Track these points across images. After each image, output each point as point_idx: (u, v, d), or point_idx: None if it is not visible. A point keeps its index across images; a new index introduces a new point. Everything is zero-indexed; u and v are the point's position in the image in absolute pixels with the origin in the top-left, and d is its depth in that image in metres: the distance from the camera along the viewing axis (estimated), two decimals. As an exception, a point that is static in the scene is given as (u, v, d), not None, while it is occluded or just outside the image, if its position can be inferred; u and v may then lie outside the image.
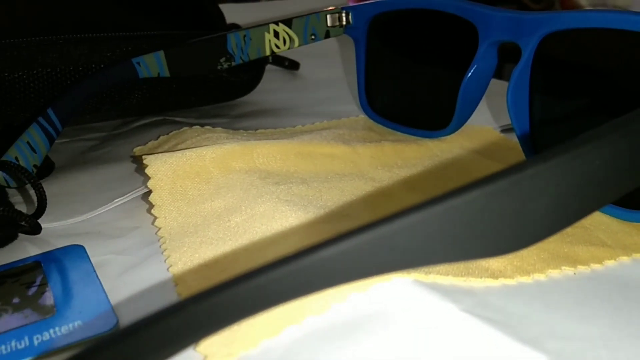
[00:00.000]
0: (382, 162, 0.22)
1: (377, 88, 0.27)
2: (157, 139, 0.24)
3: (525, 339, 0.11)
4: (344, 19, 0.27)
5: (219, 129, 0.25)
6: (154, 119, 0.29)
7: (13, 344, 0.12)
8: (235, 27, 0.37)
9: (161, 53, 0.23)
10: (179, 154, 0.19)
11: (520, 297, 0.13)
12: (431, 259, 0.09)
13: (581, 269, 0.14)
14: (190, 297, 0.08)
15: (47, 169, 0.21)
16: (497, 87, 0.25)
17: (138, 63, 0.22)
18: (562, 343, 0.11)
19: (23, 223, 0.16)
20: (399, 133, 0.26)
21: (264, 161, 0.20)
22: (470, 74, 0.22)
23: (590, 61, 0.19)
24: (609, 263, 0.15)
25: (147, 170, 0.18)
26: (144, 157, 0.19)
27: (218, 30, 0.34)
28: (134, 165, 0.22)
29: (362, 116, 0.28)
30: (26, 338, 0.12)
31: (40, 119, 0.20)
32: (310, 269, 0.08)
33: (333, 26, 0.27)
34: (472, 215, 0.09)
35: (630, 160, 0.10)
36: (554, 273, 0.14)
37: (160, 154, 0.19)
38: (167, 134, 0.25)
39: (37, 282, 0.14)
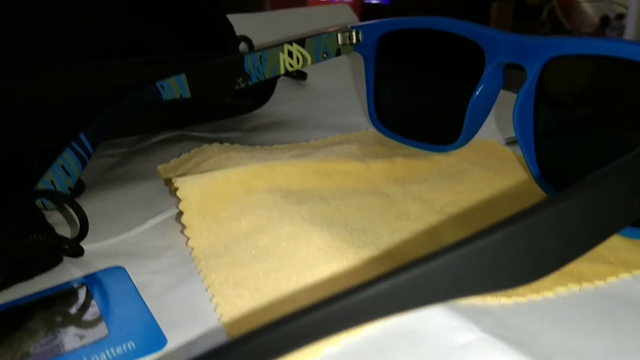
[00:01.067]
0: (394, 178, 0.23)
1: (386, 103, 0.29)
2: (178, 157, 0.25)
3: (542, 356, 0.13)
4: (354, 37, 0.28)
5: (237, 145, 0.26)
6: (171, 134, 0.30)
7: (73, 363, 0.13)
8: (245, 39, 0.38)
9: (183, 76, 0.24)
10: (206, 175, 0.20)
11: (532, 315, 0.14)
12: (457, 294, 0.10)
13: (586, 285, 0.16)
14: (257, 330, 0.09)
15: (78, 189, 0.22)
16: (503, 98, 0.26)
17: (162, 86, 0.24)
18: (577, 359, 0.13)
19: (66, 247, 0.17)
20: (408, 147, 0.27)
21: (285, 180, 0.22)
22: (477, 93, 0.23)
23: (590, 86, 0.20)
24: (611, 279, 0.16)
25: (178, 193, 0.20)
26: (173, 179, 0.20)
27: (229, 44, 0.35)
28: (159, 183, 0.24)
29: (372, 130, 0.29)
30: (88, 358, 0.13)
31: (74, 144, 0.21)
32: (356, 307, 0.09)
33: (344, 44, 0.28)
34: (492, 255, 0.10)
35: (633, 196, 0.12)
36: (561, 290, 0.15)
37: (189, 177, 0.20)
38: (188, 151, 0.26)
39: (86, 305, 0.16)
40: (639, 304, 0.15)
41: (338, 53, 0.28)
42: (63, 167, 0.21)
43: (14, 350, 0.14)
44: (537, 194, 0.21)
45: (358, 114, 0.33)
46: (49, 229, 0.18)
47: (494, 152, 0.26)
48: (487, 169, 0.24)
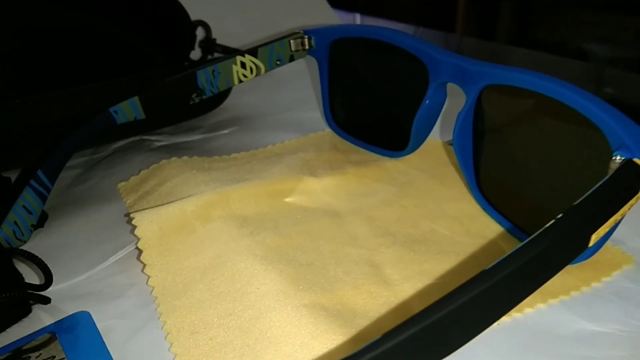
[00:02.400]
0: (346, 191, 0.25)
1: (340, 106, 0.29)
2: (138, 174, 0.26)
3: None
4: (307, 43, 0.28)
5: (196, 158, 0.27)
6: (131, 139, 0.30)
7: None
8: (201, 24, 0.38)
9: (136, 99, 0.25)
10: (163, 209, 0.22)
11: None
12: None
13: (504, 319, 0.18)
14: None
15: (42, 220, 0.23)
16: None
17: (115, 112, 0.24)
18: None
19: (32, 301, 0.18)
20: (361, 150, 0.28)
21: (240, 206, 0.23)
22: (422, 109, 0.24)
23: (518, 115, 0.21)
24: (528, 310, 0.18)
25: (136, 232, 0.21)
26: (132, 214, 0.21)
27: (185, 29, 0.35)
28: (120, 206, 0.24)
29: (328, 130, 0.30)
30: (58, 419, 0.15)
31: (32, 182, 0.22)
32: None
33: (297, 50, 0.28)
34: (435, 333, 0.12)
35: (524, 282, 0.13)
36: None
37: (146, 212, 0.21)
38: (147, 164, 0.27)
39: (57, 357, 0.17)
40: (549, 337, 0.17)
41: (291, 59, 0.28)
42: (24, 207, 0.21)
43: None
44: (474, 208, 0.23)
45: (313, 109, 0.33)
46: (18, 280, 0.19)
47: (439, 156, 0.27)
48: (432, 178, 0.26)
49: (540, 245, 0.13)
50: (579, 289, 0.19)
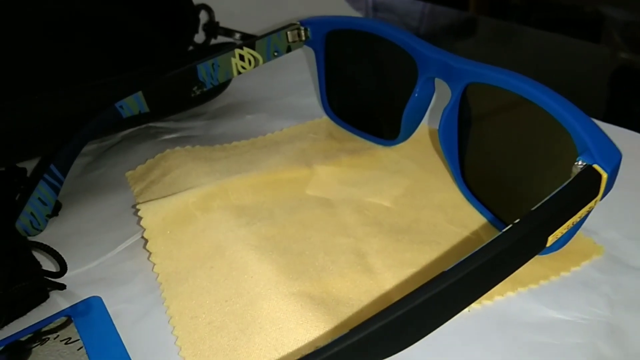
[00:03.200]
0: (339, 179, 0.26)
1: (336, 95, 0.31)
2: (144, 163, 0.28)
3: None
4: (303, 34, 0.29)
5: (198, 147, 0.29)
6: (137, 127, 0.32)
7: (66, 399, 0.17)
8: (204, 7, 0.38)
9: (140, 94, 0.26)
10: (165, 201, 0.23)
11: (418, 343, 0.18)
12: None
13: (474, 306, 0.19)
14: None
15: (56, 209, 0.25)
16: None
17: (121, 106, 0.26)
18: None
19: (49, 288, 0.20)
20: (356, 138, 0.30)
21: (237, 196, 0.24)
22: (411, 101, 0.26)
23: (498, 113, 0.22)
24: (498, 298, 0.20)
25: (142, 223, 0.23)
26: (138, 206, 0.23)
27: (186, 11, 0.36)
28: (128, 195, 0.26)
29: (325, 117, 0.32)
30: (75, 394, 0.17)
31: (46, 176, 0.23)
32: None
33: (294, 41, 0.29)
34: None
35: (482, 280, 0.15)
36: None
37: (150, 204, 0.23)
38: (152, 154, 0.28)
39: (72, 337, 0.19)
40: (514, 323, 0.19)
41: (288, 50, 0.30)
42: (39, 199, 0.23)
43: (19, 388, 0.17)
44: (459, 198, 0.25)
45: (311, 94, 0.35)
46: (36, 269, 0.21)
47: (431, 145, 0.29)
48: (422, 167, 0.27)
49: (497, 249, 0.15)
50: (548, 278, 0.20)
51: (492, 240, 0.15)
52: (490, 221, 0.23)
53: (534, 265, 0.21)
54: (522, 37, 0.49)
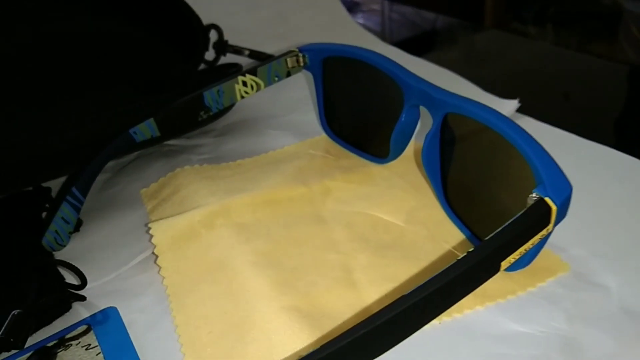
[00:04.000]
0: (332, 198, 0.29)
1: (333, 115, 0.33)
2: (157, 181, 0.31)
3: None
4: (302, 60, 0.31)
5: (206, 166, 0.31)
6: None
7: (87, 398, 0.20)
8: (214, 27, 0.41)
9: (152, 120, 0.29)
10: (174, 220, 0.26)
11: (392, 352, 0.20)
12: None
13: (445, 319, 0.21)
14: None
15: (77, 225, 0.28)
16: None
17: (134, 132, 0.28)
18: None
19: (72, 300, 0.23)
20: (352, 155, 0.32)
21: (239, 215, 0.27)
22: (398, 125, 0.28)
23: (473, 141, 0.24)
24: (467, 312, 0.22)
25: (153, 240, 0.25)
26: (150, 224, 0.26)
27: (198, 33, 0.39)
28: (143, 211, 0.29)
29: (323, 135, 0.34)
30: (94, 394, 0.20)
31: (68, 197, 0.26)
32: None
33: (292, 67, 0.32)
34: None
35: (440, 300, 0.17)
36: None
37: (161, 222, 0.26)
38: (164, 172, 0.31)
39: (91, 344, 0.22)
40: (478, 335, 0.21)
41: (288, 74, 0.32)
42: (62, 218, 0.26)
43: (46, 388, 0.20)
44: (441, 215, 0.27)
45: (311, 111, 0.37)
46: (60, 282, 0.24)
47: (420, 162, 0.31)
48: (410, 185, 0.29)
49: (453, 273, 0.17)
50: (515, 293, 0.22)
51: (450, 266, 0.17)
52: (468, 238, 0.25)
53: (503, 281, 0.23)
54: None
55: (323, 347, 0.16)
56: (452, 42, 0.53)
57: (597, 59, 0.44)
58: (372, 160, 0.31)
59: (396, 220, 0.27)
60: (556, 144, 0.32)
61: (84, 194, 0.27)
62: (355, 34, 0.50)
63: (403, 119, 0.28)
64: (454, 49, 0.51)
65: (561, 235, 0.25)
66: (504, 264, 0.18)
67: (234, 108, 0.37)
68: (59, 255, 0.26)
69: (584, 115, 0.37)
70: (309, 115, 0.36)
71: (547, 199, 0.19)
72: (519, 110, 0.35)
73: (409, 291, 0.17)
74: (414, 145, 0.30)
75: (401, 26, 0.57)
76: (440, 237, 0.26)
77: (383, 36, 0.51)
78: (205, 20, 0.40)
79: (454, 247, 0.25)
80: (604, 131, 0.35)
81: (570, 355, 0.20)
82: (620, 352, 0.20)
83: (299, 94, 0.39)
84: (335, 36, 0.49)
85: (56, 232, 0.26)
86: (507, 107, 0.35)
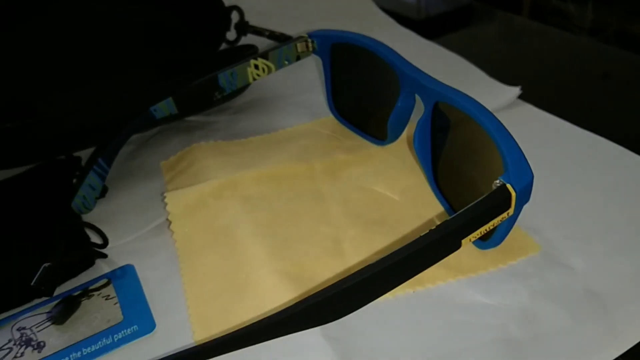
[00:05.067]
0: (332, 176, 0.31)
1: (339, 97, 0.35)
2: (175, 155, 0.34)
3: (344, 354, 0.21)
4: (310, 45, 0.34)
5: (220, 143, 0.34)
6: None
7: (103, 340, 0.23)
8: (236, 8, 0.43)
9: (170, 99, 0.31)
10: (187, 191, 0.29)
11: (368, 317, 0.23)
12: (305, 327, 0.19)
13: (419, 288, 0.24)
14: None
15: (103, 192, 0.31)
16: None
17: (155, 110, 0.31)
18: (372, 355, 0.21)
19: (95, 256, 0.27)
20: (355, 136, 0.34)
21: (245, 187, 0.30)
22: (395, 110, 0.30)
23: (458, 127, 0.26)
24: (440, 283, 0.24)
25: (167, 208, 0.28)
26: (165, 193, 0.29)
27: (220, 14, 0.41)
28: (161, 182, 0.32)
29: (331, 116, 0.36)
30: (110, 337, 0.24)
31: (95, 167, 0.30)
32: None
33: (302, 51, 0.34)
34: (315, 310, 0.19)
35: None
36: (400, 293, 0.24)
37: (175, 192, 0.29)
38: (182, 146, 0.34)
39: (111, 296, 0.25)
40: (446, 305, 0.23)
41: (298, 58, 0.34)
42: (89, 185, 0.29)
43: (72, 330, 0.24)
44: (430, 195, 0.29)
45: (320, 93, 0.39)
46: (86, 241, 0.27)
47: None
48: (405, 166, 0.31)
49: (416, 247, 0.19)
50: (486, 269, 0.25)
51: (412, 242, 0.19)
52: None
53: (478, 258, 0.25)
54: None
55: (301, 302, 0.19)
56: (485, 21, 0.52)
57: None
58: (372, 142, 0.33)
59: (388, 198, 0.29)
60: (550, 131, 0.34)
61: (109, 164, 0.30)
62: (373, 16, 0.51)
63: (399, 104, 0.30)
64: (484, 28, 0.51)
65: (539, 219, 0.27)
66: (465, 241, 0.20)
67: (250, 87, 0.40)
68: (86, 217, 0.30)
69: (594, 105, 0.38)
70: (321, 96, 0.39)
71: (509, 186, 0.21)
72: (522, 97, 0.36)
73: (374, 261, 0.19)
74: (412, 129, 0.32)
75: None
76: (427, 215, 0.28)
77: (418, 8, 0.52)
78: (228, 2, 0.42)
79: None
80: (612, 124, 0.36)
81: (526, 326, 0.22)
82: (574, 328, 0.22)
83: (311, 75, 0.41)
84: (354, 18, 0.51)
85: (84, 197, 0.29)
86: (509, 93, 0.36)
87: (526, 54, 0.45)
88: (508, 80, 0.38)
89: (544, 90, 0.38)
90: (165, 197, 0.29)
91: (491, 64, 0.41)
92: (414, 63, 0.29)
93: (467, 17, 0.53)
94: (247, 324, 0.19)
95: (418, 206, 0.29)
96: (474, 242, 0.25)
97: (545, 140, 0.33)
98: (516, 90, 0.36)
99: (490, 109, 0.24)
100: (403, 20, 0.50)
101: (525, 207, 0.22)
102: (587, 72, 0.41)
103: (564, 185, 0.29)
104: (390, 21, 0.50)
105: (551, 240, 0.26)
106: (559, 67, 0.42)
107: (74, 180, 0.32)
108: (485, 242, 0.25)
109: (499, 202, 0.21)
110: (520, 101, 0.36)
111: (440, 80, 0.27)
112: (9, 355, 0.23)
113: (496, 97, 0.36)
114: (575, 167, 0.30)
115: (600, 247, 0.25)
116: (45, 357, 0.23)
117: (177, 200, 0.29)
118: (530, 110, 0.36)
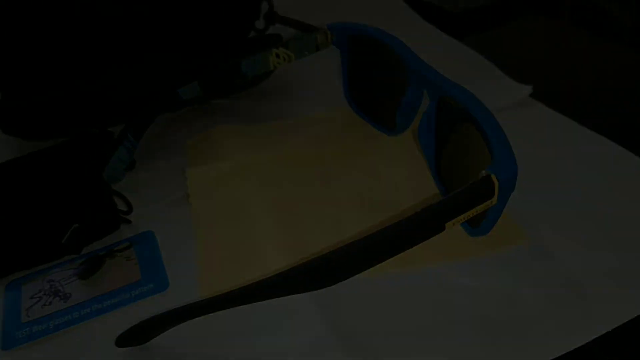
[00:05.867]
0: (341, 163, 0.33)
1: (355, 87, 0.37)
2: (199, 134, 0.36)
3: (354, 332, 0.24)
4: (329, 37, 0.36)
5: (240, 125, 0.37)
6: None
7: (122, 295, 0.26)
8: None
9: (196, 83, 0.34)
10: (207, 168, 0.32)
11: (360, 289, 0.25)
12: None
13: (409, 268, 0.26)
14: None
15: (131, 165, 0.34)
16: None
17: (181, 91, 0.34)
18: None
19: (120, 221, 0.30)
20: (367, 125, 0.36)
21: (261, 168, 0.32)
22: (403, 102, 0.32)
23: (455, 121, 0.28)
24: (432, 266, 0.26)
25: (188, 183, 0.31)
26: (187, 170, 0.32)
27: (247, 2, 0.43)
28: (184, 160, 0.35)
29: (346, 106, 0.38)
30: (128, 292, 0.26)
31: (125, 142, 0.32)
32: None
33: (321, 42, 0.36)
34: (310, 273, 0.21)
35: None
36: (393, 270, 0.26)
37: (195, 169, 0.32)
38: (206, 126, 0.37)
39: (131, 257, 0.28)
40: (434, 285, 0.25)
41: (317, 49, 0.36)
42: (119, 158, 0.32)
43: (95, 285, 0.27)
44: (431, 184, 0.31)
45: (339, 82, 0.41)
46: (113, 207, 0.30)
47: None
48: (411, 155, 0.33)
49: (401, 227, 0.21)
50: (476, 255, 0.26)
51: (402, 220, 0.21)
52: (449, 206, 0.29)
53: (470, 244, 0.27)
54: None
55: (292, 269, 0.21)
56: (518, 19, 0.52)
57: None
58: (383, 132, 0.35)
59: (391, 185, 0.31)
60: (558, 130, 0.35)
61: (138, 139, 0.33)
62: (399, 10, 0.53)
63: (408, 97, 0.31)
64: (516, 26, 0.50)
65: (534, 212, 0.28)
66: (449, 224, 0.22)
67: (273, 75, 0.42)
68: (114, 186, 0.33)
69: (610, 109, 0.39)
70: (339, 86, 0.40)
71: (493, 176, 0.22)
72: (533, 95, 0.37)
73: (364, 237, 0.21)
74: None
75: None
76: (426, 202, 0.30)
77: (455, 0, 0.53)
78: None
79: (435, 212, 0.29)
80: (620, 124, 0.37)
81: (503, 308, 0.24)
82: (549, 313, 0.24)
83: (332, 64, 0.43)
84: (379, 13, 0.52)
85: (114, 168, 0.32)
86: (520, 91, 0.37)
87: (555, 55, 0.46)
88: (531, 81, 0.38)
89: (571, 94, 0.39)
90: (186, 173, 0.32)
91: (517, 63, 0.42)
92: (432, 59, 0.30)
93: (504, 13, 0.53)
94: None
95: (419, 194, 0.30)
96: (466, 230, 0.27)
97: (552, 138, 0.34)
98: (528, 89, 0.37)
99: (499, 105, 0.25)
100: (440, 12, 0.51)
101: (522, 200, 0.24)
102: (624, 81, 0.41)
103: (566, 182, 0.30)
104: (416, 16, 0.51)
105: (542, 231, 0.27)
106: (587, 72, 0.42)
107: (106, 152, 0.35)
108: (474, 229, 0.26)
109: (482, 190, 0.22)
110: (532, 100, 0.37)
111: (455, 77, 0.28)
112: (39, 302, 0.26)
113: (507, 94, 0.37)
114: (575, 166, 0.31)
115: (588, 242, 0.27)
116: (70, 306, 0.26)
117: (197, 177, 0.31)
118: (540, 109, 0.37)
